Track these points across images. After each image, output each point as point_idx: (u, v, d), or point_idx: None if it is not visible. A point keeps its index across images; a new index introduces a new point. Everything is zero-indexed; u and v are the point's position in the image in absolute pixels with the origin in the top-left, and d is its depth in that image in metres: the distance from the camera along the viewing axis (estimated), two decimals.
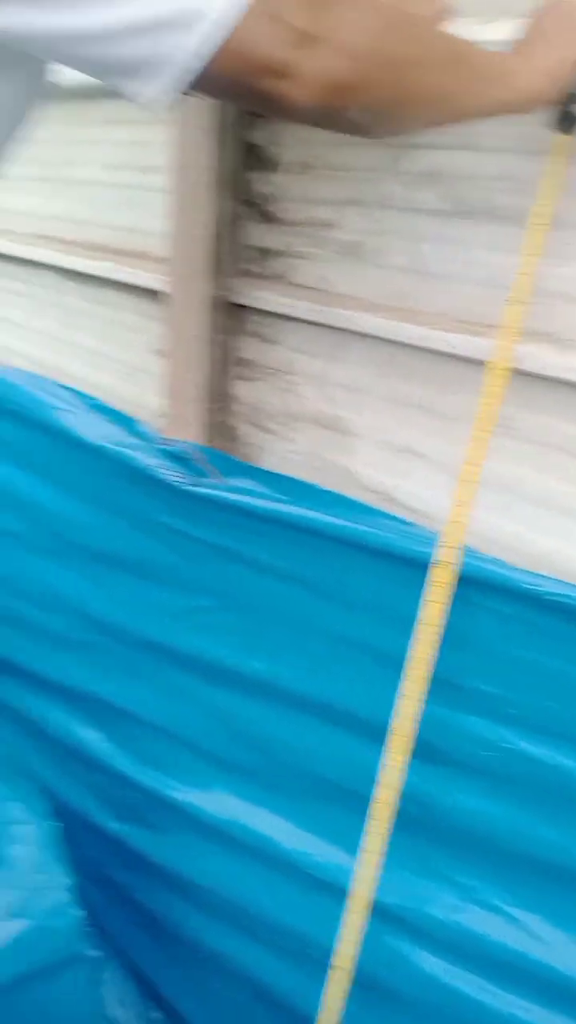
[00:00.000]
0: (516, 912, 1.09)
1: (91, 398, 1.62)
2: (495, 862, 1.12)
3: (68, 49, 0.60)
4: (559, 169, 0.88)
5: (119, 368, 1.61)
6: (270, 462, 1.33)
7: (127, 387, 1.60)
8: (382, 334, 1.10)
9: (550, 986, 1.06)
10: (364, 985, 1.17)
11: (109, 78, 0.62)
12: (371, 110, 0.63)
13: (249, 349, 1.33)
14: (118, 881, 1.70)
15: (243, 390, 1.35)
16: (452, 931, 1.14)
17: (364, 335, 1.14)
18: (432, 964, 1.15)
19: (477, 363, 0.99)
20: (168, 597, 1.49)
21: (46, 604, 1.78)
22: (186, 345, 1.33)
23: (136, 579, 1.53)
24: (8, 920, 1.24)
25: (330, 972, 1.09)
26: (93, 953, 1.77)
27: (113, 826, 1.67)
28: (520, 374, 0.95)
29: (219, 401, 1.35)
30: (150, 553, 1.48)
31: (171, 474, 1.32)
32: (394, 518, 1.12)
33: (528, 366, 0.95)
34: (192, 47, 0.56)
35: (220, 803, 1.47)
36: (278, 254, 1.26)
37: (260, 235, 1.27)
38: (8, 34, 0.60)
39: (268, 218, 1.26)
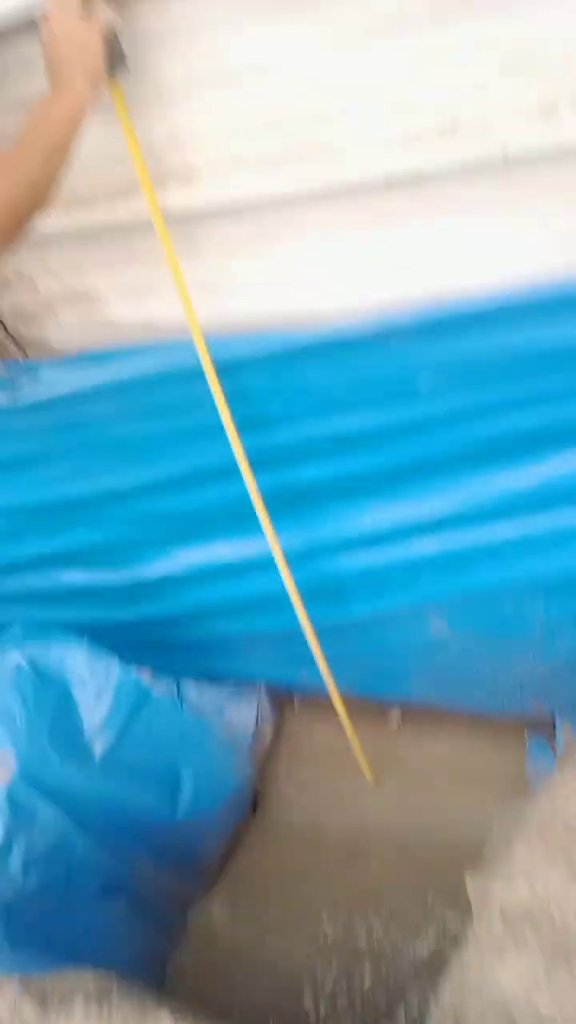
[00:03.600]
0: (354, 513, 1.75)
1: None
2: (334, 494, 1.74)
3: None
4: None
5: None
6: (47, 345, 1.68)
7: None
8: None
9: (381, 536, 1.77)
10: (316, 595, 1.88)
11: None
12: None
13: None
14: (156, 639, 2.39)
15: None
16: (335, 540, 1.81)
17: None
18: (340, 561, 1.85)
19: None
20: (36, 476, 1.92)
21: None
22: None
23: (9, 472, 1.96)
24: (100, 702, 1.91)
25: (293, 603, 1.78)
26: (170, 685, 2.56)
27: (130, 614, 2.30)
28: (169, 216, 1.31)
29: None
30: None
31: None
32: (157, 344, 1.54)
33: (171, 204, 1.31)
34: None
35: (179, 561, 2.07)
36: None
37: None
38: None
39: None
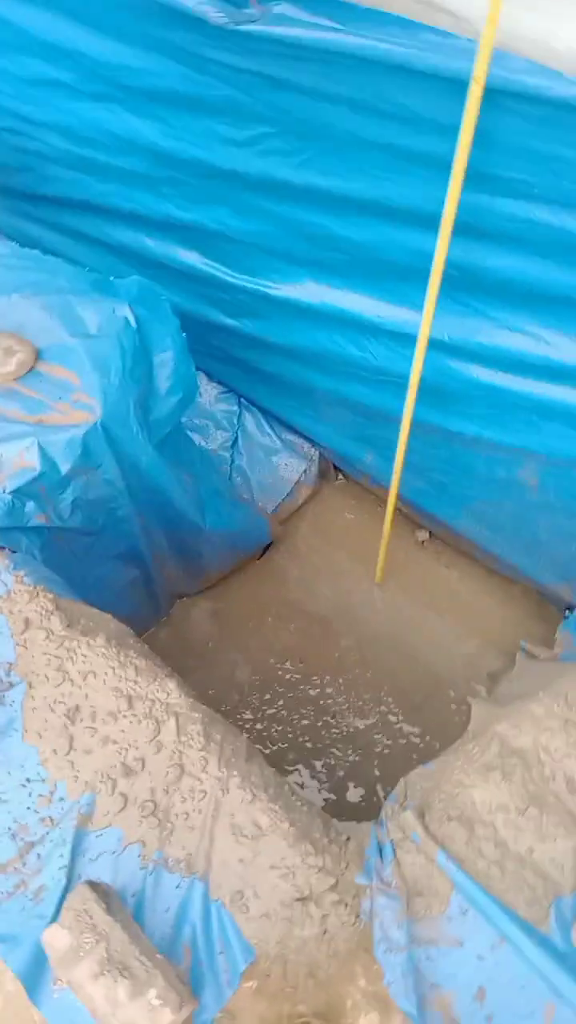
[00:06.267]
0: (534, 328, 1.58)
1: None
2: (520, 301, 1.56)
3: None
4: None
5: None
6: None
7: None
8: None
9: (553, 373, 1.62)
10: (431, 392, 1.77)
11: None
12: None
13: None
14: (242, 358, 2.29)
15: None
16: (491, 349, 1.66)
17: None
18: (477, 371, 1.71)
19: None
20: (230, 129, 1.68)
21: (113, 148, 1.97)
22: None
23: (198, 115, 1.70)
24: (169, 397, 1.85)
25: (408, 389, 1.66)
26: (231, 408, 2.51)
27: (229, 321, 2.17)
28: None
29: None
30: (207, 88, 1.62)
31: (214, 14, 1.40)
32: (434, 30, 1.25)
33: None
34: None
35: (310, 291, 1.91)
36: None
37: None
38: None
39: None
